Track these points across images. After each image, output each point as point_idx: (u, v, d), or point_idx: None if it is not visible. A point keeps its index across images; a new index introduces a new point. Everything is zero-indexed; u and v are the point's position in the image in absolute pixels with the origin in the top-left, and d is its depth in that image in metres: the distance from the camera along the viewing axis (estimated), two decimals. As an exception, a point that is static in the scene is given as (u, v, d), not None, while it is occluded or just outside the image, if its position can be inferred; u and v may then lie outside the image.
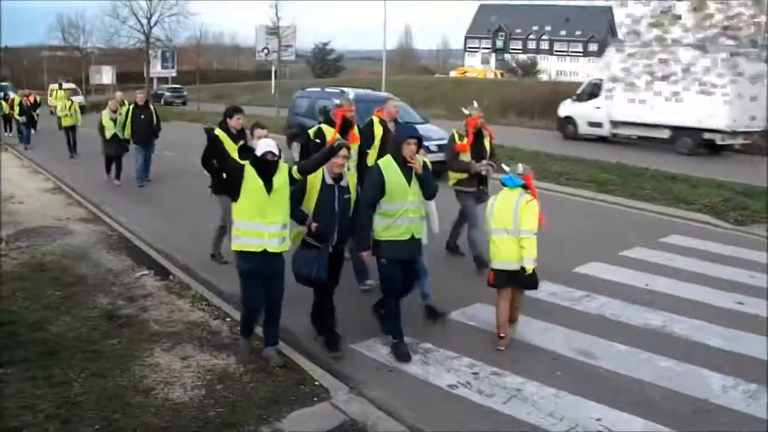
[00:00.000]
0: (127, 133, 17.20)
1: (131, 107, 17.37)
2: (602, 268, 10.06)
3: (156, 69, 67.84)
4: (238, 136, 9.91)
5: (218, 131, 8.94)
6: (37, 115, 28.18)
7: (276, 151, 6.51)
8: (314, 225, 6.95)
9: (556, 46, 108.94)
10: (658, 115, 24.91)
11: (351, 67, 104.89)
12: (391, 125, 9.69)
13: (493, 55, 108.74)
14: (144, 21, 63.02)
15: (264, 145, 6.59)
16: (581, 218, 13.91)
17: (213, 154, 7.28)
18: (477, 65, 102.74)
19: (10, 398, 6.04)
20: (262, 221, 6.56)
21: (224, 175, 7.11)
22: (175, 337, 7.50)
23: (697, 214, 14.18)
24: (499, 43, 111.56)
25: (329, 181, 6.98)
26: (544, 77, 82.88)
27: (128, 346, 7.25)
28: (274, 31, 54.43)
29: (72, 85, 52.53)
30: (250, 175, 6.54)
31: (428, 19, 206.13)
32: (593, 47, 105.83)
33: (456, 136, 9.90)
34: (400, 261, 7.10)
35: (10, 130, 31.01)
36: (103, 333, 7.57)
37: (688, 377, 6.73)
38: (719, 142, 24.46)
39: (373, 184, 7.00)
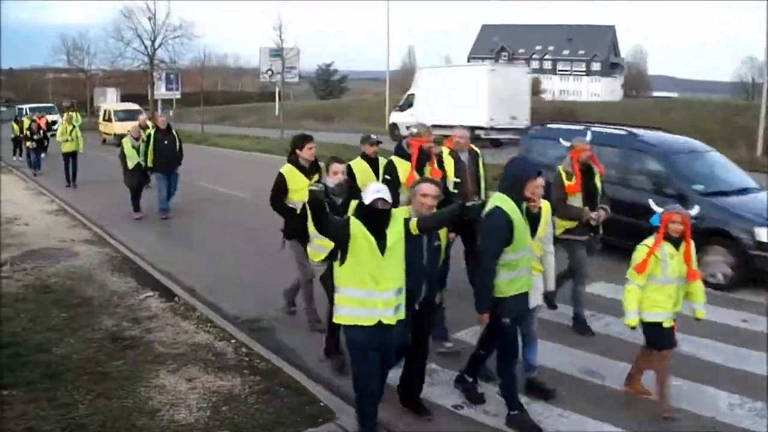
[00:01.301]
0: (149, 161, 15.67)
1: (153, 132, 15.90)
2: (608, 288, 10.02)
3: (160, 91, 68.14)
4: (311, 169, 8.44)
5: (287, 167, 8.39)
6: (47, 140, 26.04)
7: (388, 197, 5.38)
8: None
9: (559, 66, 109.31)
10: (447, 118, 28.38)
11: (355, 88, 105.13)
12: (464, 156, 8.70)
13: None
14: (148, 43, 63.51)
15: (373, 190, 5.42)
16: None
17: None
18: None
19: (13, 420, 6.04)
20: (375, 288, 5.38)
21: (318, 229, 5.58)
22: (180, 359, 7.50)
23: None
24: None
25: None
26: (547, 96, 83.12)
27: (133, 367, 7.24)
28: (277, 52, 54.73)
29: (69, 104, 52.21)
30: (358, 231, 5.35)
31: (431, 39, 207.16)
32: (596, 66, 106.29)
33: (563, 175, 8.39)
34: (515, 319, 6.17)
35: (20, 154, 29.14)
36: (108, 354, 7.57)
37: (694, 395, 6.70)
38: (483, 137, 30.06)
39: (499, 231, 5.82)
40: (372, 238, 5.32)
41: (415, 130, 8.24)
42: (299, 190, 8.06)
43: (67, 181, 21.66)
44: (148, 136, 15.79)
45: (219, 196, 18.77)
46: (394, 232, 5.43)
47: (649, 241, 6.33)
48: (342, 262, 5.42)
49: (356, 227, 5.35)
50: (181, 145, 16.21)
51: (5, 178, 23.83)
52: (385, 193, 5.37)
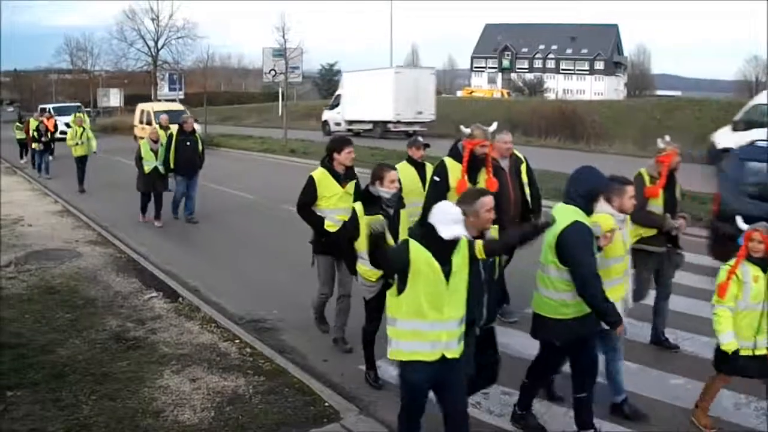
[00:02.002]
0: (171, 162, 14.99)
1: (175, 133, 15.20)
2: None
3: (164, 91, 68.23)
4: (346, 175, 7.70)
5: (319, 171, 7.64)
6: (54, 142, 25.11)
7: (467, 233, 4.77)
8: None
9: (563, 65, 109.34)
10: (364, 115, 37.49)
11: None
12: (504, 164, 8.16)
13: (500, 74, 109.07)
14: (151, 44, 63.52)
15: (449, 221, 4.67)
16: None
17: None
18: (484, 85, 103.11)
19: (18, 421, 6.05)
20: (438, 318, 4.79)
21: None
22: (185, 360, 7.50)
23: (705, 230, 14.10)
24: (506, 63, 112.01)
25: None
26: (550, 96, 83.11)
27: (137, 368, 7.25)
28: (280, 52, 54.71)
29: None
30: (421, 257, 4.72)
31: (434, 38, 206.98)
32: (599, 65, 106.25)
33: (646, 178, 7.58)
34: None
35: (27, 153, 28.23)
36: (113, 355, 7.58)
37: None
38: (393, 129, 36.67)
39: (591, 246, 5.46)
40: (437, 265, 4.71)
41: (469, 131, 7.39)
42: (331, 197, 7.56)
43: (79, 186, 20.62)
44: (169, 137, 15.21)
45: (223, 196, 18.78)
46: (460, 257, 4.84)
47: (733, 262, 5.84)
48: (399, 291, 4.81)
49: (418, 253, 4.72)
50: (203, 148, 15.72)
51: (10, 179, 23.88)
52: (464, 229, 4.71)
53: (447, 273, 4.73)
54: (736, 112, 32.42)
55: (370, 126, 38.12)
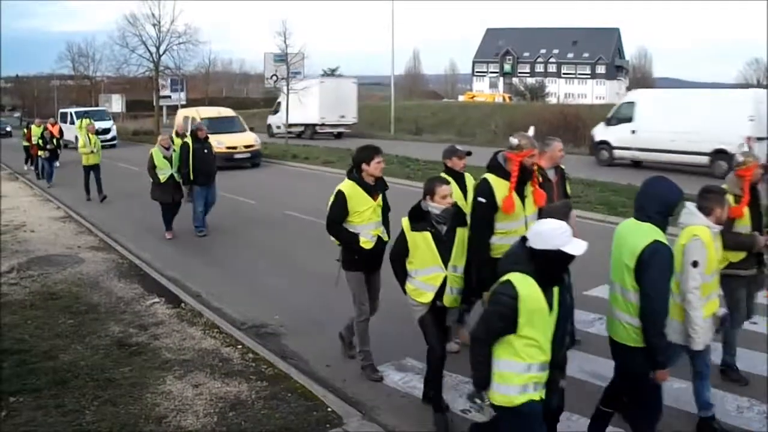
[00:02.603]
0: (190, 173, 14.18)
1: (190, 141, 14.43)
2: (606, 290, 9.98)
3: (165, 91, 68.47)
4: (376, 187, 7.18)
5: (348, 184, 7.06)
6: (60, 148, 24.77)
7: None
8: None
9: (564, 69, 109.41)
10: (297, 119, 40.78)
11: (360, 93, 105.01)
12: (551, 174, 7.45)
13: (501, 78, 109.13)
14: (153, 49, 63.52)
15: (566, 229, 4.29)
16: (591, 241, 13.83)
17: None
18: (485, 89, 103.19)
19: (21, 427, 6.05)
20: (545, 358, 4.38)
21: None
22: (187, 365, 7.49)
23: None
24: (507, 67, 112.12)
25: None
26: (552, 100, 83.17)
27: (140, 374, 7.24)
28: (282, 57, 54.85)
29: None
30: (529, 292, 4.19)
31: (436, 43, 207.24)
32: (601, 69, 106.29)
33: (729, 198, 6.49)
34: None
35: (31, 163, 27.39)
36: (115, 361, 7.58)
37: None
38: (319, 131, 41.84)
39: (671, 272, 5.03)
40: (544, 299, 4.24)
41: (516, 141, 6.50)
42: (363, 211, 7.03)
43: (87, 194, 19.95)
44: (183, 146, 14.40)
45: (223, 201, 18.75)
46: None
47: None
48: (503, 333, 4.29)
49: (526, 288, 4.18)
50: (215, 155, 15.15)
51: (12, 185, 23.91)
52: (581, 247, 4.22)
53: (551, 303, 4.31)
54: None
55: (302, 128, 42.60)
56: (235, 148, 26.93)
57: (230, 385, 6.99)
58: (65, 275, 11.19)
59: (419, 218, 6.09)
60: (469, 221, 6.40)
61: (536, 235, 4.25)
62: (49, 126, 25.15)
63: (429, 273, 6.04)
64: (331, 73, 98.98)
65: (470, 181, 7.55)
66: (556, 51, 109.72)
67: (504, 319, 4.20)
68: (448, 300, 6.12)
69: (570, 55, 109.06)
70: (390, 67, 48.10)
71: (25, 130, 28.14)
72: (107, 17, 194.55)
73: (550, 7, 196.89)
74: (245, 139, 28.27)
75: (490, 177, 6.54)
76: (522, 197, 6.55)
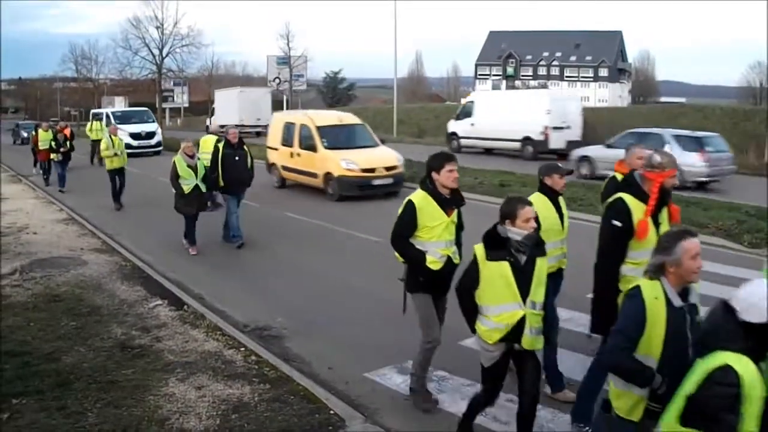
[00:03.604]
0: (220, 179, 13.50)
1: (222, 146, 13.64)
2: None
3: (169, 90, 68.70)
4: (452, 200, 6.39)
5: (420, 195, 6.32)
6: (73, 149, 23.67)
7: None
8: (662, 383, 3.94)
9: (567, 72, 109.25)
10: (223, 121, 41.29)
11: (363, 96, 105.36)
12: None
13: (504, 81, 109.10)
14: (156, 52, 63.76)
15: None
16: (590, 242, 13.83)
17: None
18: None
19: (23, 429, 6.05)
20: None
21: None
22: (190, 367, 7.50)
23: (710, 237, 14.08)
24: (510, 70, 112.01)
25: (677, 301, 4.02)
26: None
27: (143, 376, 7.25)
28: (285, 60, 55.09)
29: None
30: (752, 378, 3.45)
31: (439, 45, 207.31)
32: (603, 72, 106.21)
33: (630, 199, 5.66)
34: None
35: (40, 167, 25.99)
36: (118, 363, 7.58)
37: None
38: (241, 131, 40.75)
39: None
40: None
41: (657, 159, 5.55)
42: (434, 227, 6.28)
43: (114, 203, 18.75)
44: (215, 152, 13.69)
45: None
46: None
47: None
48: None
49: (748, 374, 3.44)
50: (252, 161, 14.15)
51: (16, 188, 23.93)
52: None
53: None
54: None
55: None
56: (372, 170, 19.25)
57: (233, 388, 6.99)
58: (68, 277, 11.19)
59: (496, 245, 5.28)
60: (598, 246, 5.78)
61: (752, 307, 3.55)
62: (60, 128, 24.32)
63: (505, 310, 5.24)
64: (334, 76, 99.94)
65: (562, 202, 6.98)
66: (558, 54, 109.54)
67: (733, 410, 3.40)
68: (527, 342, 5.29)
69: (573, 58, 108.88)
70: (393, 69, 48.08)
71: (33, 133, 27.55)
72: (110, 20, 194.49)
73: (553, 10, 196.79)
74: (385, 159, 19.98)
75: (627, 198, 5.58)
76: (656, 224, 5.60)
